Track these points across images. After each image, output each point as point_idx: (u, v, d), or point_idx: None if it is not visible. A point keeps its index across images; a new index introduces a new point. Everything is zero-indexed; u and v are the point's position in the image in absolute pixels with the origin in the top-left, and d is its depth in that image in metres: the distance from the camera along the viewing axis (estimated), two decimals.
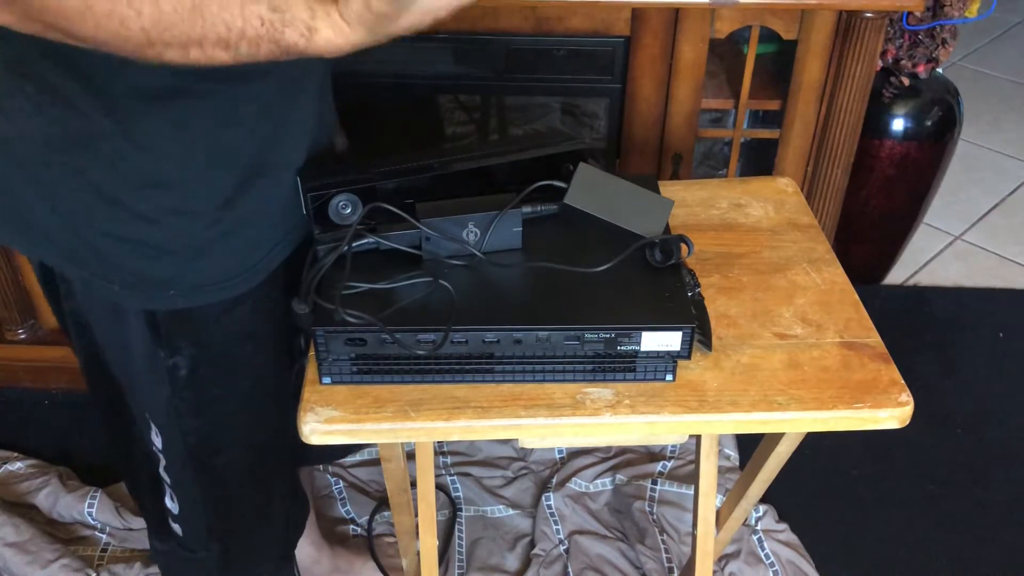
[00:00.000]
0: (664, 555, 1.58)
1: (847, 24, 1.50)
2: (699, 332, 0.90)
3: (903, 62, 1.91)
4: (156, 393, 0.95)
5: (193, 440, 0.98)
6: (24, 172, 0.82)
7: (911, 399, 0.90)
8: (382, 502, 1.66)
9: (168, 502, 1.05)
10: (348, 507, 1.67)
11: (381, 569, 1.56)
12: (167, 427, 0.98)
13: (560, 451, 1.77)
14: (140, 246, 0.85)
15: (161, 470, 1.02)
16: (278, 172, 0.89)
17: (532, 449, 1.75)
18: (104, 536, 1.60)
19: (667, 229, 0.97)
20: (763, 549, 1.61)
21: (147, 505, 1.09)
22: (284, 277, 0.95)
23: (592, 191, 0.96)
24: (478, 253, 0.93)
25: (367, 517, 1.65)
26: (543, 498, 1.66)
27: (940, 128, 1.97)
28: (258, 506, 1.10)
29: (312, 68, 0.89)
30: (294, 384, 0.95)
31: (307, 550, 1.50)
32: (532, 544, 1.61)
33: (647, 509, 1.65)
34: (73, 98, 0.77)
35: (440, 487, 1.69)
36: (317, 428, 0.86)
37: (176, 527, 1.07)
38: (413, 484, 1.16)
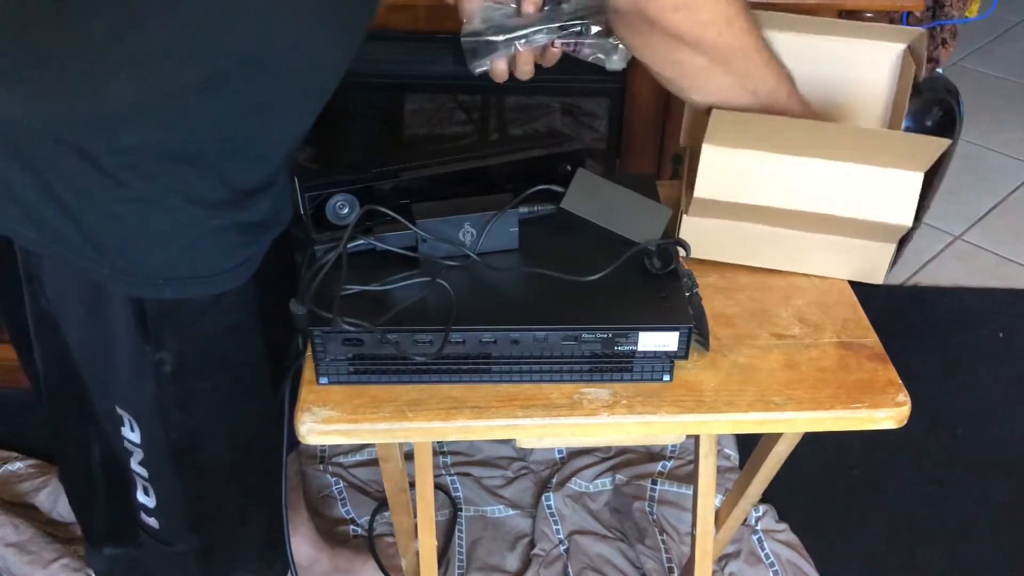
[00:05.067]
0: (664, 555, 1.58)
1: None
2: (696, 332, 0.90)
3: None
4: (139, 388, 0.93)
5: (176, 435, 0.97)
6: (9, 149, 0.79)
7: (908, 399, 0.90)
8: (383, 502, 1.66)
9: (141, 496, 1.03)
10: (348, 507, 1.67)
11: (382, 569, 1.56)
12: (150, 422, 0.96)
13: (560, 451, 1.77)
14: (136, 229, 0.83)
15: (135, 464, 1.00)
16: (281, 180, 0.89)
17: (532, 449, 1.75)
18: None
19: (666, 233, 0.97)
20: (763, 549, 1.61)
21: (108, 505, 1.07)
22: (261, 269, 0.94)
23: (590, 197, 0.96)
24: (472, 255, 0.93)
25: (367, 517, 1.65)
26: (543, 498, 1.66)
27: (940, 128, 1.96)
28: (241, 505, 1.09)
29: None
30: (289, 384, 0.95)
31: (306, 550, 1.50)
32: (532, 544, 1.61)
33: (647, 509, 1.65)
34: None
35: (440, 487, 1.69)
36: (314, 428, 0.86)
37: (151, 521, 1.05)
38: (412, 484, 1.16)
